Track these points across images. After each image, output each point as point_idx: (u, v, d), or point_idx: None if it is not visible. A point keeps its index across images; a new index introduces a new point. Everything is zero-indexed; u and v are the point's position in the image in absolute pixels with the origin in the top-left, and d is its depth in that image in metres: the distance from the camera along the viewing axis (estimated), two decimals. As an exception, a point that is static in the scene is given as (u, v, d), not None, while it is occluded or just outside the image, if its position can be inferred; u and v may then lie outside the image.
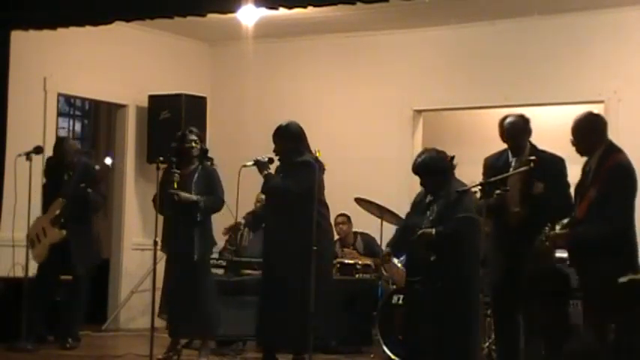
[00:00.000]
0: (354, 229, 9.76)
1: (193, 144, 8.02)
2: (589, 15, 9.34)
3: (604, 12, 9.26)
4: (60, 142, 9.13)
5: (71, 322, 8.82)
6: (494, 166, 6.70)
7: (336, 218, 9.71)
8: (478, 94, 9.98)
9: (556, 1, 9.30)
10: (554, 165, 6.55)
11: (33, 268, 8.76)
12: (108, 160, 8.85)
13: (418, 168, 6.81)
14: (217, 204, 7.93)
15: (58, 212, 8.65)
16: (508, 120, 6.68)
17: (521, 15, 9.60)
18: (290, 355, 7.60)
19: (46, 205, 8.78)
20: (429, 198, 6.86)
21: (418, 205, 6.94)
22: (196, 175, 7.94)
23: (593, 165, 6.15)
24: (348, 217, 9.70)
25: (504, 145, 6.90)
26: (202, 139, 8.19)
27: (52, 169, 8.83)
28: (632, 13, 9.18)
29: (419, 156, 6.85)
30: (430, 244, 6.55)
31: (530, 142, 6.67)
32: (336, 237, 9.71)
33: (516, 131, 6.65)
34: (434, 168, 6.72)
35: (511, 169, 6.61)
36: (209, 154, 8.13)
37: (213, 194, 7.91)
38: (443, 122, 10.82)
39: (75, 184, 8.65)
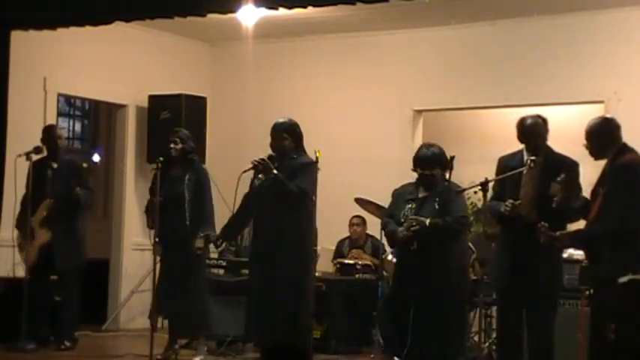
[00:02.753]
0: (368, 232, 9.75)
1: (172, 145, 8.05)
2: (589, 15, 9.34)
3: (604, 12, 9.26)
4: (49, 128, 8.99)
5: (64, 324, 8.77)
6: (508, 165, 6.69)
7: (352, 219, 9.74)
8: (478, 94, 9.98)
9: (556, 1, 9.30)
10: (568, 168, 6.54)
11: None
12: (96, 158, 8.75)
13: (428, 160, 6.89)
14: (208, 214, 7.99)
15: (45, 213, 8.59)
16: (529, 121, 6.63)
17: (521, 15, 9.60)
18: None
19: (32, 207, 8.58)
20: (422, 194, 6.91)
21: (403, 199, 6.97)
22: (187, 175, 7.99)
23: (606, 167, 6.16)
24: (364, 220, 9.70)
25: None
26: (185, 140, 8.08)
27: (36, 170, 8.63)
28: (632, 13, 9.18)
29: (425, 148, 6.98)
30: (420, 233, 6.77)
31: (546, 143, 6.65)
32: (348, 237, 9.79)
33: (537, 132, 6.62)
34: (442, 162, 6.85)
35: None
36: (205, 156, 8.13)
37: (204, 194, 7.97)
38: (443, 122, 10.82)
39: (61, 182, 8.58)
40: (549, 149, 6.64)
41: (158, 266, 8.01)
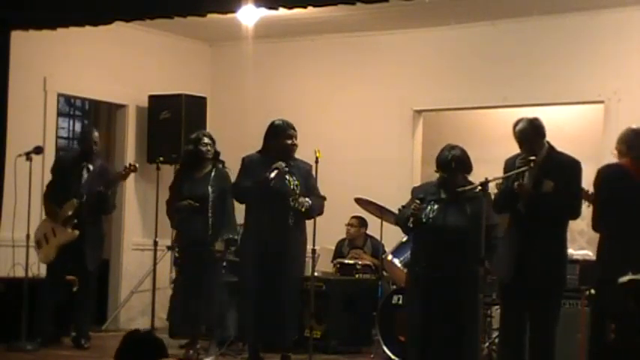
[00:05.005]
0: (368, 232, 9.73)
1: (209, 147, 8.15)
2: (589, 15, 9.33)
3: (604, 12, 9.26)
4: (88, 131, 9.20)
5: (84, 323, 8.93)
6: (512, 167, 6.72)
7: (350, 220, 9.73)
8: (478, 94, 9.97)
9: (556, 1, 9.30)
10: (568, 167, 6.58)
11: (33, 268, 8.78)
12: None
13: (448, 164, 6.77)
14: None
15: (70, 213, 8.67)
16: (518, 127, 6.67)
17: (521, 15, 9.59)
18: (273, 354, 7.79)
19: (57, 201, 8.74)
20: (444, 195, 6.79)
21: (430, 200, 6.84)
22: (212, 176, 8.09)
23: None
24: (361, 221, 9.67)
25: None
26: (214, 142, 8.27)
27: (66, 165, 8.83)
28: (632, 13, 9.17)
29: (447, 151, 6.83)
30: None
31: (548, 143, 6.66)
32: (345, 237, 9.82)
33: (524, 137, 6.63)
34: (464, 165, 6.77)
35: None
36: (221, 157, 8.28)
37: (227, 197, 8.05)
38: (443, 122, 10.82)
39: (91, 186, 8.70)
40: (551, 149, 6.65)
41: (160, 267, 8.05)
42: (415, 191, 7.00)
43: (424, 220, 6.75)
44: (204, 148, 8.14)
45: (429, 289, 6.74)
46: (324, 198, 7.76)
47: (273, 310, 7.53)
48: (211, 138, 8.24)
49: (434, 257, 6.75)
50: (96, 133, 9.13)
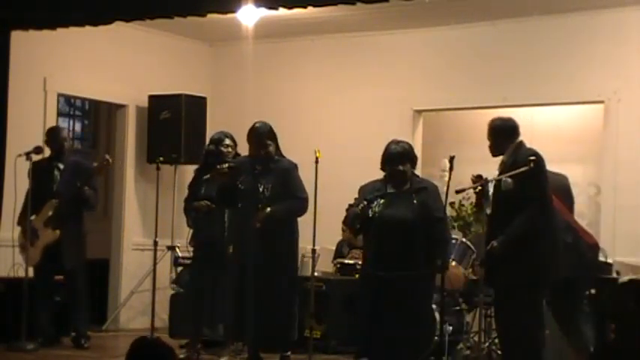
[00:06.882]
0: None
1: (230, 149, 8.16)
2: (589, 15, 9.33)
3: (604, 12, 9.26)
4: (54, 130, 9.15)
5: (80, 323, 8.90)
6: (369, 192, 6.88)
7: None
8: (478, 94, 9.97)
9: (556, 1, 9.30)
10: (524, 162, 6.57)
11: (32, 269, 8.78)
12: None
13: (399, 156, 6.76)
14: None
15: (50, 213, 8.66)
16: None
17: (521, 15, 9.59)
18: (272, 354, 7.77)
19: (35, 207, 8.69)
20: (390, 190, 6.78)
21: (371, 195, 6.82)
22: None
23: None
24: None
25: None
26: (236, 144, 8.26)
27: (39, 170, 8.75)
28: (632, 13, 9.17)
29: (394, 144, 6.86)
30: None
31: (521, 142, 6.69)
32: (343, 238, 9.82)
33: (488, 135, 6.79)
34: (412, 157, 6.79)
35: (496, 171, 6.71)
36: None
37: None
38: (443, 122, 10.82)
39: (67, 183, 8.68)
40: (518, 147, 6.68)
41: (160, 267, 8.03)
42: (362, 190, 6.97)
43: (370, 215, 6.71)
44: (225, 150, 8.14)
45: (379, 287, 6.68)
46: (302, 199, 7.60)
47: (262, 311, 7.49)
48: (233, 139, 8.24)
49: (383, 253, 6.68)
50: (64, 131, 9.19)
